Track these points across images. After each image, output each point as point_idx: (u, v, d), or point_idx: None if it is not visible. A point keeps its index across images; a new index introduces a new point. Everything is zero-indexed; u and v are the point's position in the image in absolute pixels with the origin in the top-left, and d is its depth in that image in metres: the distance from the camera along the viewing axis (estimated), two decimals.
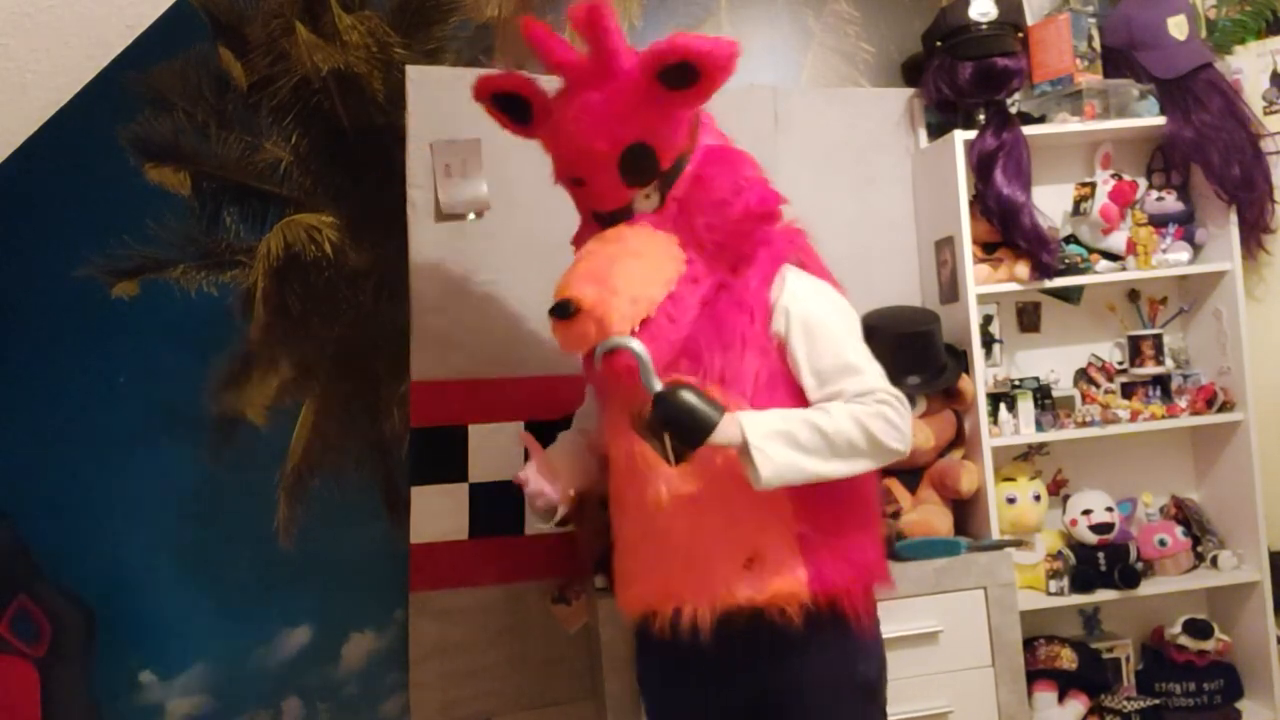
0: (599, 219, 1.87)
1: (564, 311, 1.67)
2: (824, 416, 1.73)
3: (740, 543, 1.76)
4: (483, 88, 1.96)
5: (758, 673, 1.80)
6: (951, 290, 2.72)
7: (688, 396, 1.65)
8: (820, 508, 1.78)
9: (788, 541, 1.77)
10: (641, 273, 1.73)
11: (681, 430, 1.65)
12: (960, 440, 2.71)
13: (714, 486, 1.76)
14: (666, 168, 1.80)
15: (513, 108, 1.93)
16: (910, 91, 2.88)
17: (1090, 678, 2.66)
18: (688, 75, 1.71)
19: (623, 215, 1.82)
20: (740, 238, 1.82)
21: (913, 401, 2.64)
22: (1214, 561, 2.77)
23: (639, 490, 1.80)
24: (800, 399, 1.79)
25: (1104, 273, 2.76)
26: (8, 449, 2.54)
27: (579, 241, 2.01)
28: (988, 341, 2.79)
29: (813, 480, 1.72)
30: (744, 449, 1.68)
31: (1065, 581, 2.66)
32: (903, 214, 2.88)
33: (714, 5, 2.86)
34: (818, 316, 1.82)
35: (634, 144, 1.77)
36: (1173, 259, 2.78)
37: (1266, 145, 2.76)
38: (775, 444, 1.68)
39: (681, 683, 1.86)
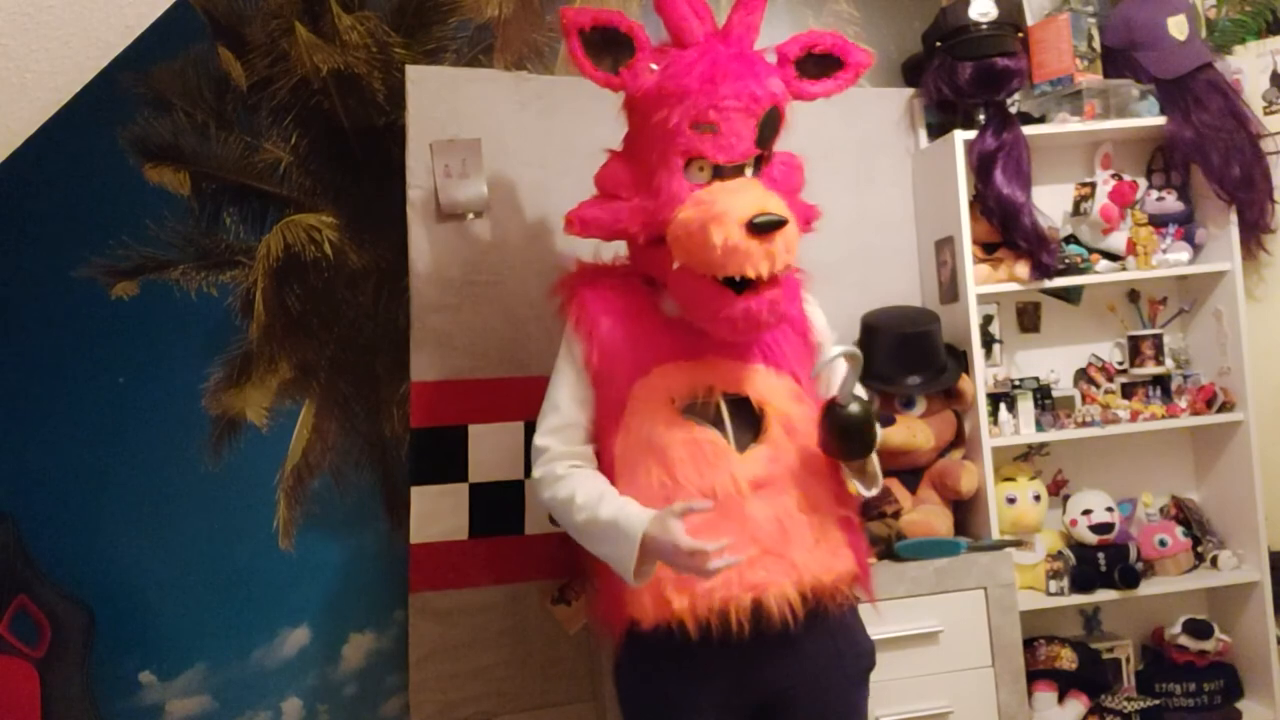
0: (697, 177, 1.84)
1: (776, 223, 1.69)
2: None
3: (809, 524, 1.81)
4: (580, 18, 1.89)
5: (801, 657, 1.81)
6: (951, 290, 2.72)
7: (873, 414, 1.78)
8: (843, 494, 1.89)
9: (837, 523, 1.85)
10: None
11: (866, 440, 1.78)
12: (960, 440, 2.71)
13: (784, 469, 1.81)
14: (775, 144, 1.91)
15: (600, 52, 1.90)
16: (910, 91, 2.88)
17: (1090, 678, 2.66)
18: (823, 68, 1.94)
19: (735, 173, 1.86)
20: None
21: (913, 402, 2.64)
22: (1214, 561, 2.77)
23: (707, 481, 1.77)
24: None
25: (1104, 273, 2.76)
26: (8, 449, 2.54)
27: (597, 216, 1.95)
28: (988, 341, 2.79)
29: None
30: (870, 466, 1.87)
31: (1065, 582, 2.66)
32: (903, 214, 2.88)
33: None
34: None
35: (775, 106, 1.87)
36: (1173, 259, 2.78)
37: (1266, 145, 2.76)
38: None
39: (697, 690, 1.81)
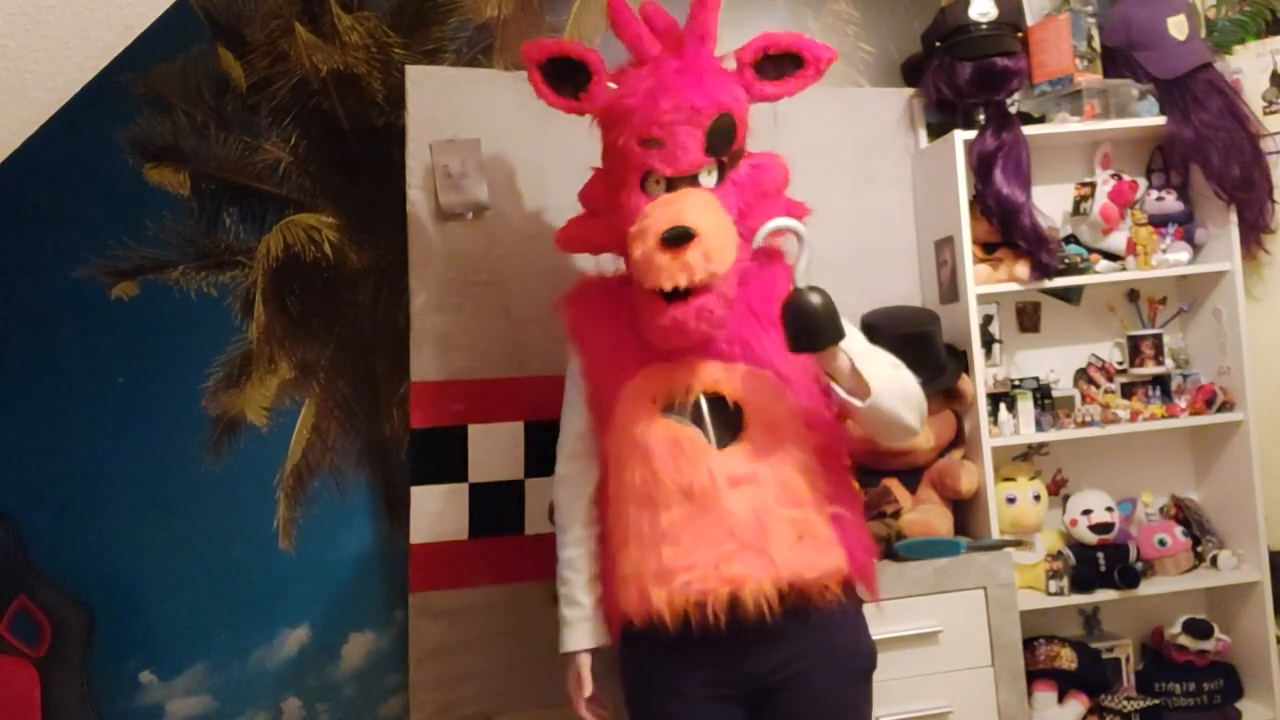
0: (654, 190, 1.89)
1: (683, 235, 1.73)
2: (899, 370, 1.88)
3: (791, 520, 1.81)
4: (539, 50, 1.99)
5: (785, 654, 1.82)
6: (951, 290, 2.72)
7: (831, 302, 1.72)
8: (841, 491, 1.89)
9: (826, 520, 1.85)
10: (728, 227, 1.84)
11: (824, 326, 1.71)
12: (960, 440, 2.71)
13: (766, 467, 1.82)
14: (736, 148, 1.93)
15: (561, 80, 1.99)
16: (910, 91, 2.88)
17: (1090, 678, 2.66)
18: (784, 68, 1.97)
19: (688, 183, 1.89)
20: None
21: None
22: (1214, 561, 2.77)
23: (685, 478, 1.80)
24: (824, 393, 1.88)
25: (1104, 273, 2.76)
26: (8, 449, 2.54)
27: (584, 233, 2.06)
28: (988, 341, 2.79)
29: (887, 416, 1.82)
30: (851, 371, 1.78)
31: (1065, 581, 2.66)
32: (903, 214, 2.88)
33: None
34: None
35: (725, 113, 1.90)
36: (1172, 259, 2.78)
37: (1266, 145, 2.76)
38: (870, 366, 1.80)
39: (690, 684, 1.85)
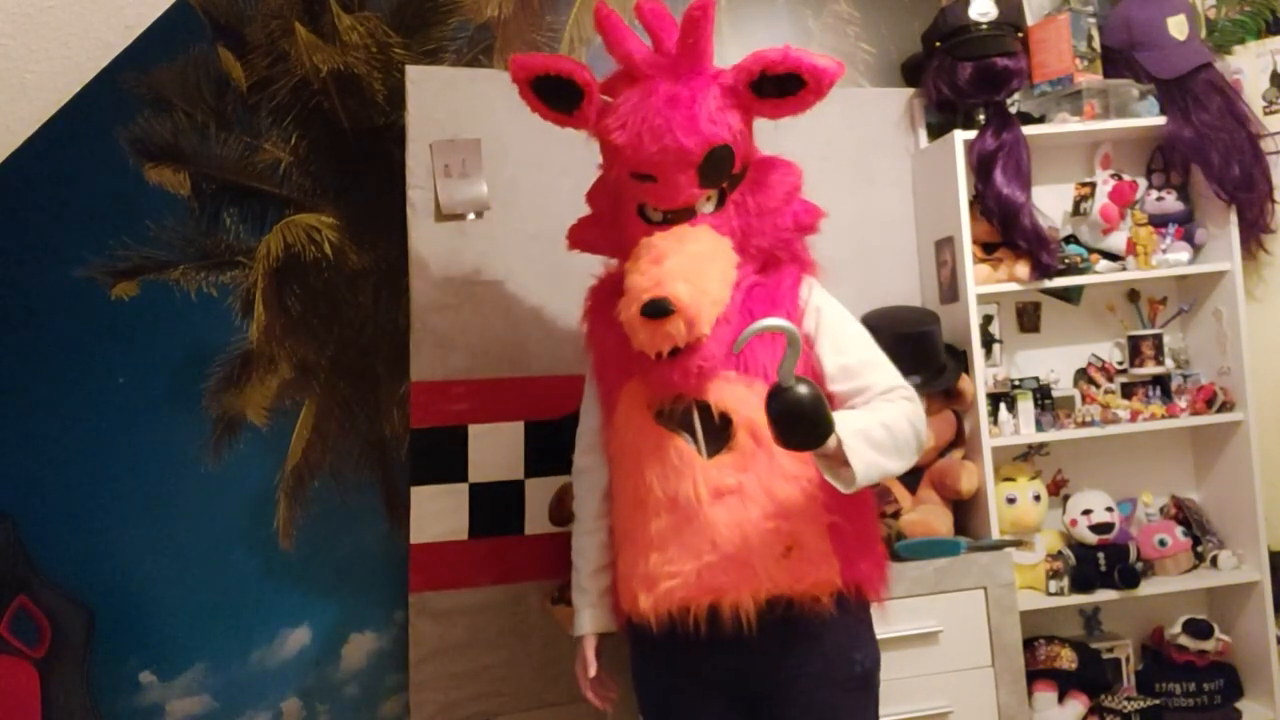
0: (651, 217, 1.88)
1: (662, 310, 1.69)
2: (884, 414, 1.77)
3: (779, 533, 1.78)
4: (525, 68, 1.87)
5: (774, 662, 1.81)
6: (951, 290, 2.72)
7: (820, 396, 1.61)
8: (845, 499, 1.81)
9: (821, 531, 1.81)
10: (718, 274, 1.79)
11: (806, 428, 1.60)
12: (960, 440, 2.71)
13: (753, 478, 1.79)
14: (736, 172, 1.87)
15: (553, 94, 1.88)
16: (910, 91, 2.89)
17: (1090, 678, 2.66)
18: (785, 87, 1.80)
19: (685, 215, 1.85)
20: (782, 245, 1.93)
21: None
22: (1214, 561, 2.77)
23: (671, 486, 1.79)
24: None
25: (1104, 273, 2.76)
26: (8, 449, 2.54)
27: (592, 237, 2.05)
28: (988, 341, 2.79)
29: (883, 478, 1.77)
30: (836, 451, 1.66)
31: (1065, 581, 2.66)
32: (903, 214, 2.88)
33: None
34: (843, 315, 1.92)
35: (719, 146, 1.82)
36: (1173, 259, 2.78)
37: (1266, 145, 2.76)
38: (861, 445, 1.68)
39: (688, 680, 1.86)
